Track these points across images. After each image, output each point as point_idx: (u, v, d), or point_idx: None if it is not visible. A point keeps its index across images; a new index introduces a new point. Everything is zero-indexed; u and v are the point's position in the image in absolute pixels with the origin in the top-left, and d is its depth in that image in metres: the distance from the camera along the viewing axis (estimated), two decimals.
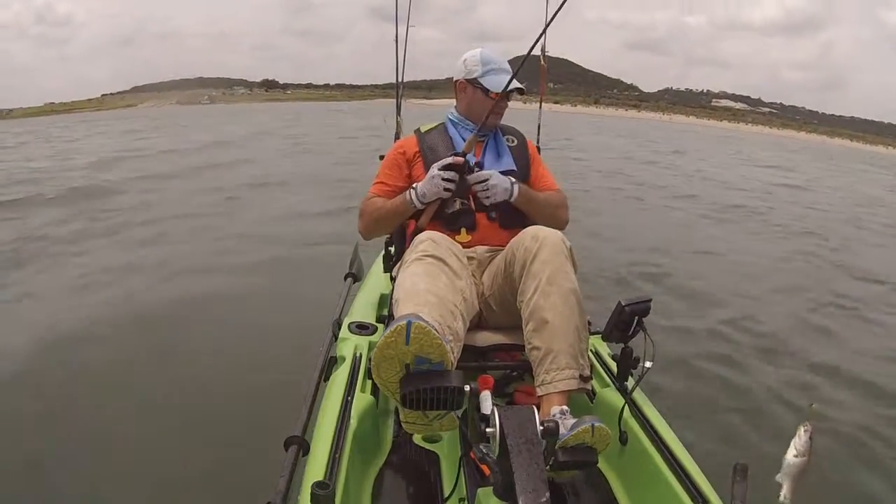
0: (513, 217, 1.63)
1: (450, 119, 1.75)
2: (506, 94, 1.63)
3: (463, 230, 1.60)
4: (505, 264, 1.43)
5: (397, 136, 1.69)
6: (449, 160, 1.54)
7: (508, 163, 1.68)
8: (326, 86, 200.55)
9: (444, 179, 1.52)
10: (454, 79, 1.72)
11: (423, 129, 1.77)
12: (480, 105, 1.66)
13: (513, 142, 1.77)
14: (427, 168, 1.62)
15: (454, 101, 1.78)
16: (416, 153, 1.70)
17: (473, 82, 1.67)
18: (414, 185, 1.60)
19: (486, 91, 1.64)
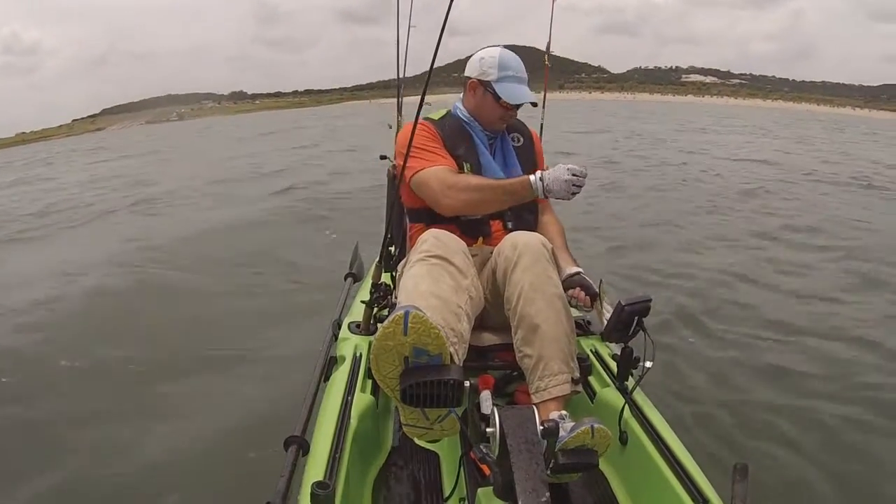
0: (524, 223, 1.61)
1: (460, 115, 1.66)
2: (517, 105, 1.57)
3: (480, 238, 1.57)
4: (492, 271, 1.41)
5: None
6: (579, 168, 1.39)
7: (516, 171, 1.62)
8: (295, 93, 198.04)
9: (574, 185, 1.38)
10: (465, 75, 1.63)
11: (436, 118, 1.65)
12: (489, 109, 1.60)
13: (518, 140, 1.70)
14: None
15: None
16: (437, 136, 1.59)
17: (486, 85, 1.57)
18: (535, 173, 1.43)
19: (497, 97, 1.56)
